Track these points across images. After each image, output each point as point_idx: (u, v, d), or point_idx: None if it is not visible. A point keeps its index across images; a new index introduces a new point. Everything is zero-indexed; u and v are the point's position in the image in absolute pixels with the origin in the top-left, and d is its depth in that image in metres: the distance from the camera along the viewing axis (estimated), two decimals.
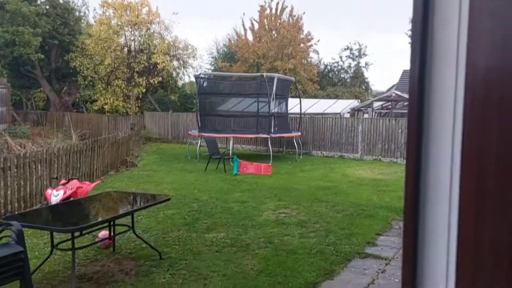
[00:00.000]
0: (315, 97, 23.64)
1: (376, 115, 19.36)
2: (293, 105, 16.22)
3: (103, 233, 5.11)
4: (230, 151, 12.92)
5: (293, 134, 14.18)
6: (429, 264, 0.58)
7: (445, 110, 0.64)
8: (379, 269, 4.61)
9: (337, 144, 14.68)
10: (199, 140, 13.54)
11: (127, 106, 20.58)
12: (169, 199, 5.02)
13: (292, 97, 17.04)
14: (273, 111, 13.58)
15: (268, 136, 13.17)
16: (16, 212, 6.37)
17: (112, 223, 4.78)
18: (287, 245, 5.25)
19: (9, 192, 6.61)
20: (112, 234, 4.89)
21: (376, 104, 19.24)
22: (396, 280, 4.34)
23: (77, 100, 22.85)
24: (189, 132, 15.52)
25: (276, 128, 13.54)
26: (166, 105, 22.29)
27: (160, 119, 19.63)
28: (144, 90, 20.67)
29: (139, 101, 21.31)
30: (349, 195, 8.18)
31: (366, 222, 6.28)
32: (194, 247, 5.19)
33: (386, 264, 4.74)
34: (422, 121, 0.65)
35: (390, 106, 19.04)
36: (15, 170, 6.79)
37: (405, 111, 18.58)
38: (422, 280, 0.56)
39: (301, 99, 15.89)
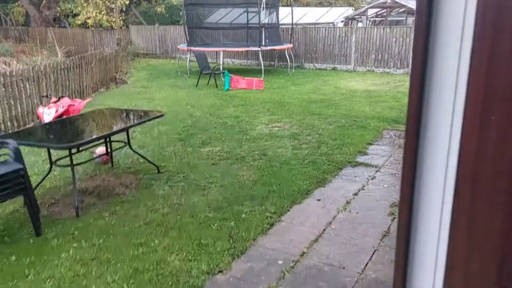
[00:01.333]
0: (307, 5, 22.66)
1: (370, 23, 18.78)
2: (284, 15, 15.60)
3: (100, 149, 5.19)
4: (221, 66, 12.68)
5: (285, 46, 13.83)
6: (429, 162, 0.60)
7: (455, 13, 0.61)
8: (369, 176, 4.82)
9: (330, 56, 14.42)
10: (189, 55, 13.20)
11: (111, 20, 19.65)
12: (162, 115, 5.03)
13: (283, 6, 16.32)
14: (263, 22, 13.09)
15: (259, 49, 12.85)
16: (10, 131, 6.38)
17: (108, 139, 4.83)
18: (281, 156, 5.40)
19: (0, 112, 6.56)
20: (109, 150, 4.97)
21: (371, 12, 18.57)
22: (386, 185, 4.56)
23: (58, 14, 21.72)
24: (178, 46, 15.05)
25: (267, 41, 13.16)
26: (151, 18, 21.33)
27: (146, 33, 18.90)
28: (127, 2, 19.60)
29: (123, 14, 20.31)
30: (341, 107, 8.25)
31: (357, 132, 6.42)
32: (191, 160, 5.33)
33: (376, 171, 4.95)
34: (430, 25, 0.63)
35: (385, 14, 18.40)
36: (3, 89, 6.66)
37: (401, 18, 18.00)
38: (421, 176, 0.59)
39: (293, 8, 15.24)
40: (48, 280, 2.97)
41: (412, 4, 15.06)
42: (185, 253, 3.29)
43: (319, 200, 4.23)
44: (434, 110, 0.60)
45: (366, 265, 3.16)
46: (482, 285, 0.53)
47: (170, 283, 2.93)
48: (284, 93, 9.96)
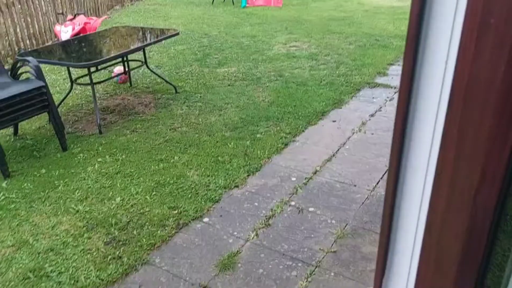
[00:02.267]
0: None
1: None
2: None
3: (118, 69, 5.24)
4: None
5: None
6: (424, 92, 0.62)
7: None
8: (387, 97, 4.79)
9: None
10: None
11: None
12: (177, 34, 4.97)
13: None
14: None
15: None
16: (29, 49, 6.44)
17: (125, 58, 4.85)
18: (298, 77, 5.37)
19: (18, 29, 6.55)
20: (126, 69, 5.01)
21: None
22: None
23: None
24: None
25: None
26: None
27: None
28: None
29: None
30: (363, 25, 7.94)
31: (378, 52, 6.25)
32: (207, 81, 5.35)
33: (395, 93, 4.91)
34: None
35: None
36: (19, 6, 6.59)
37: None
38: (416, 104, 0.62)
39: None
40: (77, 191, 3.21)
41: None
42: (203, 169, 3.46)
43: (334, 121, 4.28)
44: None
45: (377, 183, 3.29)
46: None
47: (189, 195, 3.14)
48: (304, 11, 9.57)
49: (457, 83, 0.56)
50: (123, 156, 3.67)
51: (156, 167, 3.51)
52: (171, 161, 3.59)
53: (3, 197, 3.12)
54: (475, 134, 0.53)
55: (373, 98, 4.79)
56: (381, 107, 4.56)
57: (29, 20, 6.82)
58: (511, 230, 0.57)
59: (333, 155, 3.68)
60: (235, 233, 2.79)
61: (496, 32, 0.49)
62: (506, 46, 0.48)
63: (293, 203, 3.07)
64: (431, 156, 0.63)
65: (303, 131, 4.09)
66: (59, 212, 2.97)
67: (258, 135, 3.98)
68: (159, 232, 2.78)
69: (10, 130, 4.04)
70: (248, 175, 3.40)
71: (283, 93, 4.89)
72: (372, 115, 4.38)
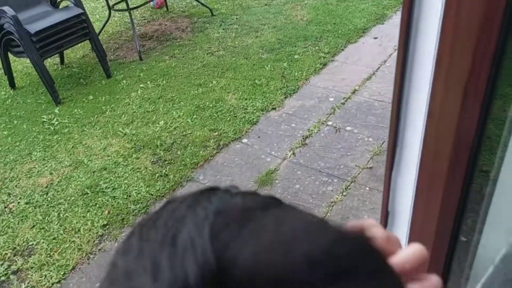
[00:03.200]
0: None
1: None
2: None
3: None
4: None
5: None
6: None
7: None
8: None
9: None
10: None
11: None
12: None
13: None
14: None
15: None
16: None
17: None
18: None
19: None
20: None
21: None
22: None
23: None
24: None
25: None
26: None
27: None
28: None
29: None
30: None
31: None
32: (243, 1, 5.20)
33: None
34: None
35: None
36: None
37: None
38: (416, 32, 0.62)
39: None
40: (123, 115, 3.38)
41: None
42: (240, 92, 3.51)
43: (375, 38, 4.11)
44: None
45: None
46: None
47: (228, 118, 3.23)
48: None
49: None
50: (164, 82, 3.77)
51: (196, 91, 3.59)
52: (210, 85, 3.66)
53: (57, 122, 3.35)
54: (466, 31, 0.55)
55: None
56: None
57: None
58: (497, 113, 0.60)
59: (373, 74, 3.59)
60: (273, 152, 2.90)
61: None
62: None
63: (330, 123, 3.10)
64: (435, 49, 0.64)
65: (342, 50, 3.98)
66: (108, 135, 3.17)
67: (295, 56, 3.92)
68: (201, 152, 2.93)
69: (57, 59, 4.22)
70: (285, 97, 3.42)
71: (322, 10, 4.70)
72: None
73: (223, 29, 4.59)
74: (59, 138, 3.19)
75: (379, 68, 3.66)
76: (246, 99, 3.43)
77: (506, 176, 0.69)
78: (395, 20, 4.38)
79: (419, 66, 0.66)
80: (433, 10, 0.61)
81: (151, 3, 5.19)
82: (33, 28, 3.31)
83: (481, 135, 0.67)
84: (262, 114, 3.27)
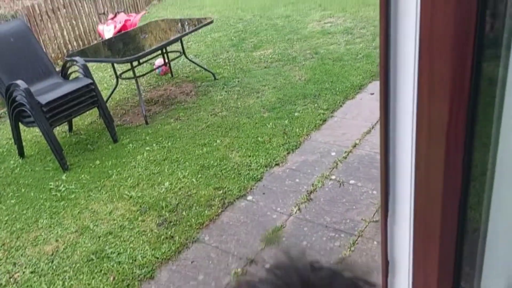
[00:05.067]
0: None
1: None
2: None
3: (159, 61, 5.45)
4: None
5: None
6: None
7: None
8: None
9: None
10: None
11: None
12: (212, 22, 5.09)
13: None
14: None
15: None
16: (76, 50, 6.81)
17: (164, 50, 5.03)
18: (333, 53, 5.33)
19: (65, 32, 6.95)
20: (167, 60, 5.20)
21: None
22: None
23: None
24: None
25: None
26: None
27: None
28: None
29: None
30: None
31: None
32: (244, 65, 5.44)
33: None
34: None
35: None
36: (64, 10, 6.97)
37: None
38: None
39: None
40: (129, 178, 3.43)
41: None
42: (244, 150, 3.58)
43: (372, 93, 4.24)
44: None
45: None
46: None
47: (232, 175, 3.27)
48: None
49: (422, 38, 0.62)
50: (169, 144, 3.86)
51: (200, 151, 3.67)
52: (214, 144, 3.74)
53: (64, 189, 3.41)
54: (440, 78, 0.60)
55: None
56: None
57: (74, 22, 7.21)
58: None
59: (372, 127, 3.67)
60: (278, 209, 2.90)
61: None
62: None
63: (333, 177, 3.13)
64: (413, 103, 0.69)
65: (341, 106, 4.10)
66: (114, 199, 3.21)
67: (296, 114, 4.03)
68: (206, 212, 2.94)
69: (66, 127, 4.36)
70: (288, 153, 3.48)
71: (319, 70, 4.89)
72: None
73: (226, 91, 4.77)
74: (66, 204, 3.23)
75: (378, 122, 3.73)
76: (249, 156, 3.49)
77: (497, 217, 0.72)
78: None
79: (401, 117, 0.71)
80: (408, 64, 0.67)
81: (157, 70, 5.45)
82: (44, 99, 3.46)
83: (468, 184, 0.70)
84: (266, 170, 3.31)
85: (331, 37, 5.94)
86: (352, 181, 3.06)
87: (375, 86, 4.36)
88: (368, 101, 4.11)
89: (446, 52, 0.61)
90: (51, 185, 3.47)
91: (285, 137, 3.68)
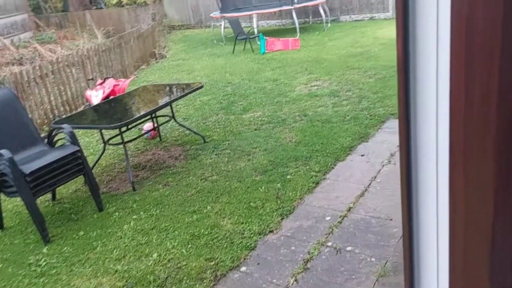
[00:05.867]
0: None
1: None
2: None
3: (148, 125, 5.43)
4: (255, 30, 12.52)
5: (318, 1, 13.35)
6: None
7: None
8: None
9: (366, 5, 13.79)
10: (223, 22, 13.12)
11: None
12: (202, 86, 5.15)
13: None
14: None
15: (292, 7, 12.52)
16: (63, 116, 6.78)
17: (154, 115, 5.03)
18: (322, 115, 5.39)
19: (52, 97, 6.95)
20: (155, 125, 5.18)
21: None
22: None
23: None
24: (211, 14, 14.97)
25: None
26: None
27: (179, 4, 18.89)
28: None
29: None
30: (381, 58, 7.98)
31: None
32: (234, 128, 5.45)
33: None
34: None
35: None
36: (52, 76, 7.03)
37: None
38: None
39: None
40: (114, 250, 3.25)
41: None
42: (236, 216, 3.46)
43: (362, 155, 4.23)
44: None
45: None
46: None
47: (225, 245, 3.12)
48: (321, 50, 9.75)
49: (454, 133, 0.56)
50: (157, 211, 3.72)
51: (190, 219, 3.53)
52: (204, 211, 3.61)
53: (44, 263, 3.19)
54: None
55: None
56: None
57: (62, 88, 7.24)
58: None
59: (366, 190, 3.61)
60: (274, 280, 2.74)
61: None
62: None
63: (330, 243, 3.00)
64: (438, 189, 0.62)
65: (332, 168, 4.06)
66: (98, 274, 3.00)
67: (288, 176, 3.97)
68: (197, 286, 2.76)
69: (49, 195, 4.20)
70: (282, 219, 3.37)
71: (309, 132, 4.91)
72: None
73: (216, 154, 4.72)
74: (46, 280, 3.01)
75: (370, 184, 3.70)
76: (242, 223, 3.36)
77: None
78: (378, 138, 4.57)
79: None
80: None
81: (145, 135, 5.41)
82: (28, 168, 3.35)
83: None
84: (260, 238, 3.17)
85: (318, 99, 6.05)
86: (349, 248, 2.94)
87: (364, 148, 4.37)
88: (359, 163, 4.09)
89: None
90: (31, 259, 3.26)
91: (279, 201, 3.59)
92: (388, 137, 4.55)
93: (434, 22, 0.54)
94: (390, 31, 10.90)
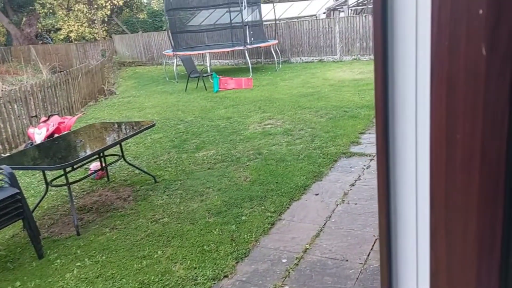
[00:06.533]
0: (288, 0, 22.63)
1: (352, 12, 18.79)
2: (267, 11, 15.59)
3: (95, 165, 5.18)
4: (208, 68, 12.65)
5: (270, 42, 13.82)
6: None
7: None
8: (364, 166, 4.84)
9: (316, 48, 14.43)
10: (175, 60, 13.16)
11: (93, 31, 19.56)
12: (154, 125, 5.03)
13: (264, 3, 16.30)
14: (246, 20, 13.07)
15: (245, 48, 12.83)
16: (3, 155, 6.35)
17: (101, 154, 4.82)
18: (276, 154, 5.42)
19: None
20: (103, 164, 4.96)
21: (351, 1, 18.58)
22: None
23: (40, 30, 21.56)
24: (163, 52, 14.99)
25: (251, 39, 13.15)
26: (134, 26, 21.21)
27: (130, 41, 18.81)
28: (108, 13, 19.50)
29: (105, 25, 20.21)
30: (331, 99, 8.27)
31: (349, 122, 6.45)
32: (186, 167, 5.33)
33: (371, 160, 4.98)
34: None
35: (365, 1, 18.41)
36: None
37: None
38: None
39: (275, 4, 15.23)
40: None
41: None
42: (189, 261, 3.30)
43: (317, 194, 4.25)
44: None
45: (368, 255, 3.19)
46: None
47: None
48: (274, 90, 9.97)
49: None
50: (103, 257, 3.48)
51: (139, 265, 3.32)
52: (155, 256, 3.42)
53: None
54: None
55: (350, 167, 4.84)
56: (360, 176, 4.58)
57: (2, 125, 6.82)
58: None
59: (321, 230, 3.60)
60: None
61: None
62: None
63: (286, 287, 2.92)
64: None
65: (287, 207, 4.03)
66: None
67: (243, 218, 3.88)
68: None
69: None
70: (237, 262, 3.25)
71: (264, 171, 4.89)
72: (352, 185, 4.38)
73: (167, 195, 4.56)
74: None
75: (325, 224, 3.69)
76: (195, 268, 3.21)
77: None
78: (332, 176, 4.63)
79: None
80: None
81: (92, 175, 5.14)
82: None
83: None
84: (214, 284, 3.03)
85: (272, 138, 6.10)
86: None
87: (318, 187, 4.40)
88: (313, 202, 4.09)
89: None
90: None
91: (233, 244, 3.47)
92: (341, 176, 4.62)
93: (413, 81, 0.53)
94: (338, 73, 11.41)
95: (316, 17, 16.41)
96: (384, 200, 0.60)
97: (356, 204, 3.98)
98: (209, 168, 5.20)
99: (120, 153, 4.99)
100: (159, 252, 3.47)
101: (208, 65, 12.93)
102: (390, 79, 0.55)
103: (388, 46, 0.54)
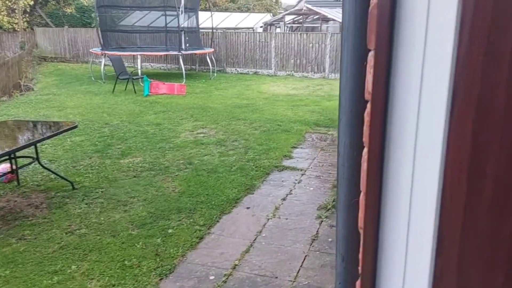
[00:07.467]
0: (226, 10, 22.71)
1: (288, 29, 19.30)
2: (204, 19, 15.45)
3: (3, 167, 4.63)
4: (139, 71, 12.16)
5: (206, 50, 13.66)
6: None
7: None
8: (296, 180, 4.85)
9: (251, 60, 14.53)
10: (103, 59, 12.48)
11: (12, 21, 18.01)
12: (76, 126, 4.63)
13: (202, 10, 16.16)
14: (183, 25, 12.82)
15: (179, 53, 12.55)
16: None
17: (12, 155, 4.31)
18: (208, 164, 5.25)
19: None
20: (14, 167, 4.44)
21: (288, 18, 19.09)
22: (311, 188, 4.62)
23: None
24: (91, 50, 14.18)
25: (187, 45, 12.91)
26: (60, 20, 19.87)
27: (54, 35, 17.58)
28: (32, 3, 18.11)
29: (27, 16, 18.72)
30: (265, 112, 8.30)
31: (282, 136, 6.47)
32: (110, 174, 4.96)
33: (302, 175, 5.00)
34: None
35: (301, 20, 19.03)
36: None
37: (316, 25, 18.75)
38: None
39: (212, 13, 15.15)
40: None
41: (326, 12, 15.73)
42: (107, 277, 3.01)
43: (248, 208, 4.15)
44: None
45: (298, 272, 3.13)
46: None
47: None
48: (208, 98, 9.80)
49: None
50: (7, 272, 3.06)
51: (49, 281, 2.96)
52: (68, 271, 3.07)
53: None
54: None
55: (282, 181, 4.81)
56: (291, 190, 4.57)
57: None
58: None
59: (251, 245, 3.49)
60: None
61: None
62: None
63: None
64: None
65: (217, 221, 3.88)
66: None
67: (169, 230, 3.65)
68: None
69: None
70: (160, 279, 3.02)
71: (194, 182, 4.69)
72: (284, 199, 4.35)
73: (86, 203, 4.18)
74: None
75: (255, 239, 3.59)
76: (113, 286, 2.92)
77: None
78: (263, 190, 4.57)
79: None
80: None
81: None
82: None
83: None
84: None
85: (204, 147, 5.92)
86: None
87: (250, 200, 4.31)
88: (244, 216, 3.98)
89: None
90: None
91: (158, 259, 3.23)
92: (272, 190, 4.57)
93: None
94: (273, 87, 11.54)
95: (253, 30, 16.60)
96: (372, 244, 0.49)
97: (287, 219, 3.93)
98: (134, 176, 4.88)
99: (34, 155, 4.51)
100: (73, 267, 3.13)
101: (139, 67, 12.43)
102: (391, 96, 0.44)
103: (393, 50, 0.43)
